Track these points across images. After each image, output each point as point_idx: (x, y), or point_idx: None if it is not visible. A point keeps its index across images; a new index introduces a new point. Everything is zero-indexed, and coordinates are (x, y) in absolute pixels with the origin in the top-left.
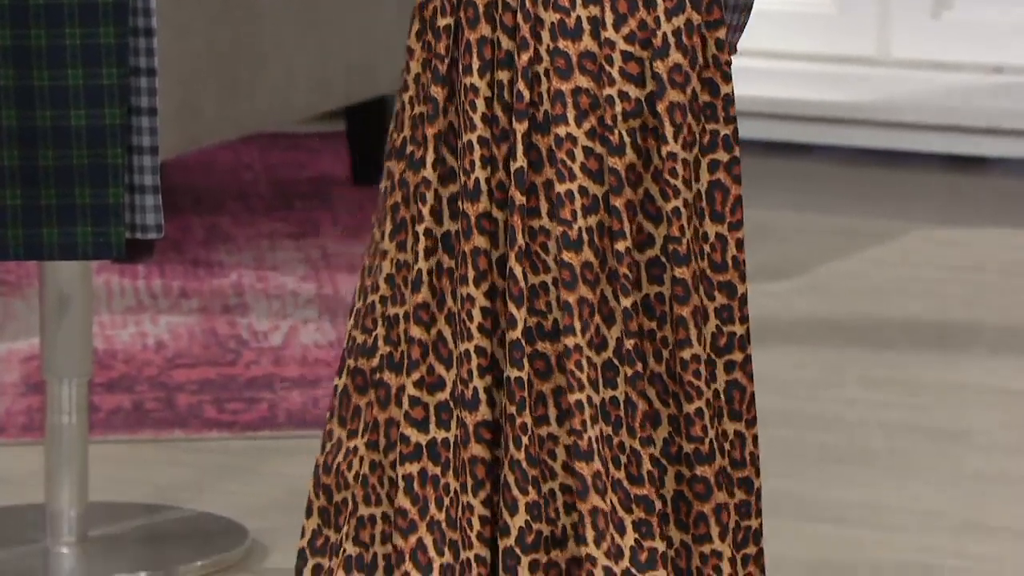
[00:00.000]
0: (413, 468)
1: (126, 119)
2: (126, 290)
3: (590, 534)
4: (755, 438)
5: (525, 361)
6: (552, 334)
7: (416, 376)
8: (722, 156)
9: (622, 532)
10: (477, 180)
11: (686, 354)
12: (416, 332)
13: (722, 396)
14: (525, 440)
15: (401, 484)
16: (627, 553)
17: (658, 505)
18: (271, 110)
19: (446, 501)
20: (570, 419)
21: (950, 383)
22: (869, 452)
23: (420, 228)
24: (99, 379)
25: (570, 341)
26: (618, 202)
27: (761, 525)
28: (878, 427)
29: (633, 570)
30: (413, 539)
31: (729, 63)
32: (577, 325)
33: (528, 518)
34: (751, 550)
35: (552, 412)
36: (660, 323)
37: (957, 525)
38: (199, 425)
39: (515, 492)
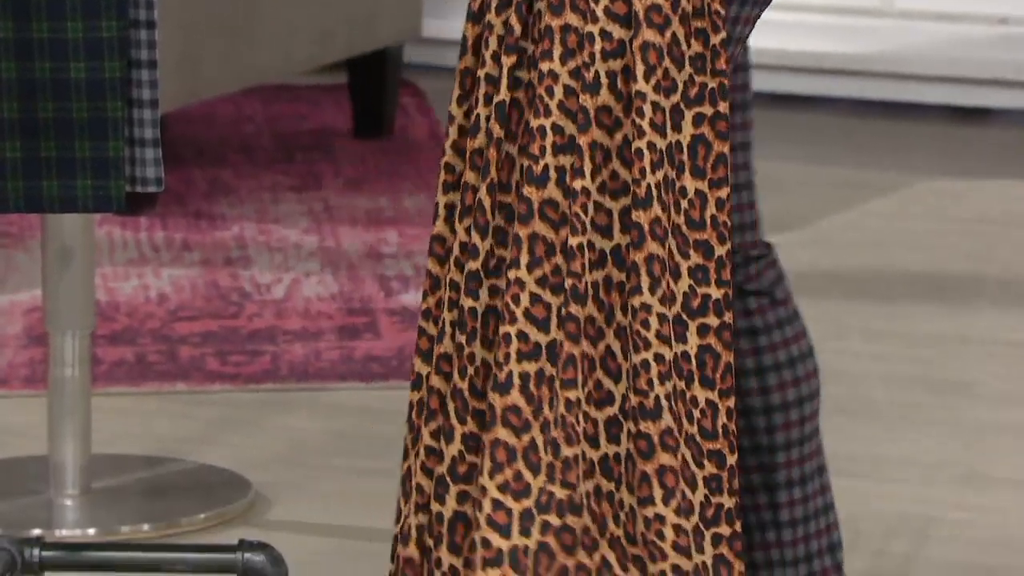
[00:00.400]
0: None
1: (126, 72)
2: (128, 242)
3: (658, 492)
4: (730, 411)
5: (481, 292)
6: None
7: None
8: (707, 110)
9: (694, 487)
10: (546, 166)
11: (635, 302)
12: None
13: (693, 360)
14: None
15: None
16: (697, 508)
17: (730, 460)
18: (272, 62)
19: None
20: (637, 378)
21: (952, 335)
22: (871, 404)
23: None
24: (101, 331)
25: (512, 274)
26: (582, 140)
27: (739, 506)
28: (880, 379)
29: (701, 526)
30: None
31: (721, 15)
32: (523, 259)
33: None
34: (723, 530)
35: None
36: (628, 273)
37: (959, 477)
38: (201, 378)
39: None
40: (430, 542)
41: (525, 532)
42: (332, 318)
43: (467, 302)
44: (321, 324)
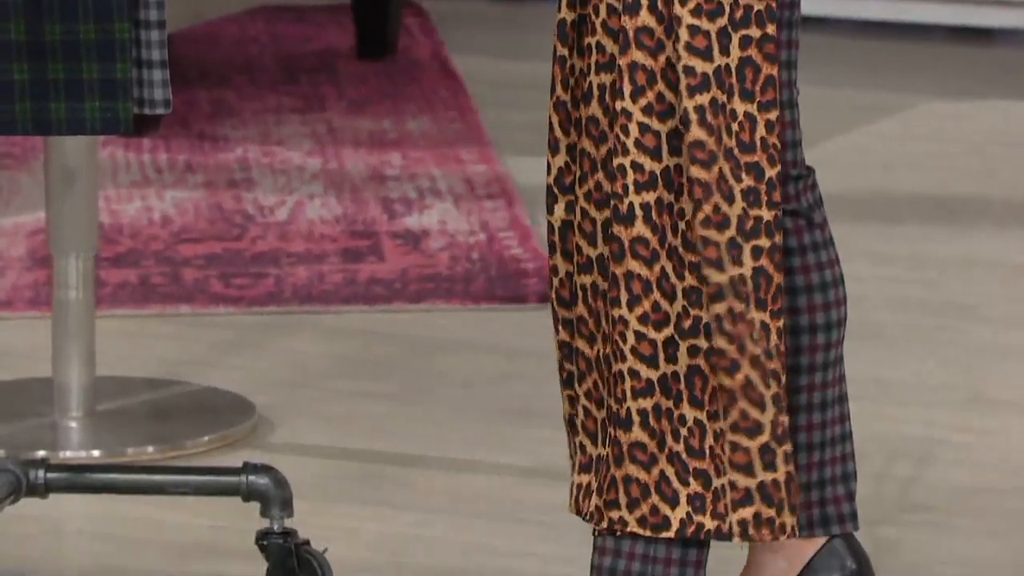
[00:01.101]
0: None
1: None
2: (131, 164)
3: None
4: (779, 332)
5: (557, 208)
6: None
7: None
8: (754, 32)
9: (762, 408)
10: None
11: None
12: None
13: (748, 282)
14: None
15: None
16: (767, 428)
17: (783, 377)
18: None
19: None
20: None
21: (957, 257)
22: (876, 327)
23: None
24: (105, 254)
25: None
26: (622, 61)
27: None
28: (884, 302)
29: (771, 444)
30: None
31: None
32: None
33: None
34: (789, 447)
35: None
36: (677, 195)
37: (962, 399)
38: (205, 300)
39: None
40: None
41: (602, 442)
42: (335, 241)
43: (547, 216)
44: (324, 247)
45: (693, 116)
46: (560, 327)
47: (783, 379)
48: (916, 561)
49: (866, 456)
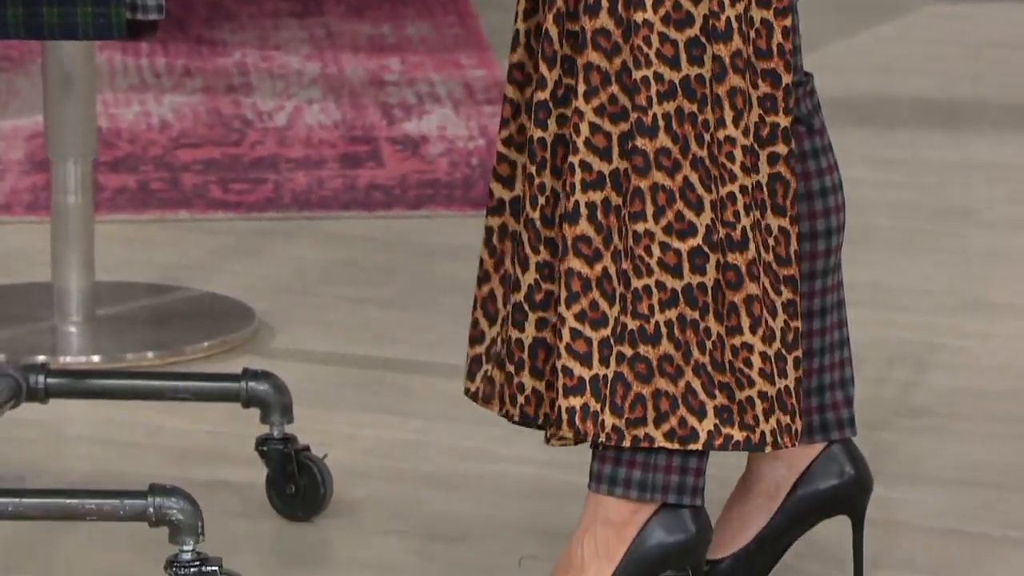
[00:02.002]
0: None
1: None
2: (129, 68)
3: (746, 322)
4: (800, 237)
5: (550, 122)
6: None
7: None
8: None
9: (774, 314)
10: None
11: (720, 135)
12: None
13: (764, 189)
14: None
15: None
16: (779, 335)
17: (799, 285)
18: None
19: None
20: (723, 211)
21: (956, 161)
22: (875, 232)
23: None
24: (104, 158)
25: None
26: None
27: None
28: (883, 206)
29: (783, 351)
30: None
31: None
32: (580, 88)
33: None
34: (799, 353)
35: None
36: (700, 105)
37: (960, 304)
38: (204, 205)
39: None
40: (511, 368)
41: (604, 361)
42: (334, 146)
43: (536, 132)
44: (323, 152)
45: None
46: (541, 247)
47: (799, 286)
48: (914, 465)
49: (865, 361)
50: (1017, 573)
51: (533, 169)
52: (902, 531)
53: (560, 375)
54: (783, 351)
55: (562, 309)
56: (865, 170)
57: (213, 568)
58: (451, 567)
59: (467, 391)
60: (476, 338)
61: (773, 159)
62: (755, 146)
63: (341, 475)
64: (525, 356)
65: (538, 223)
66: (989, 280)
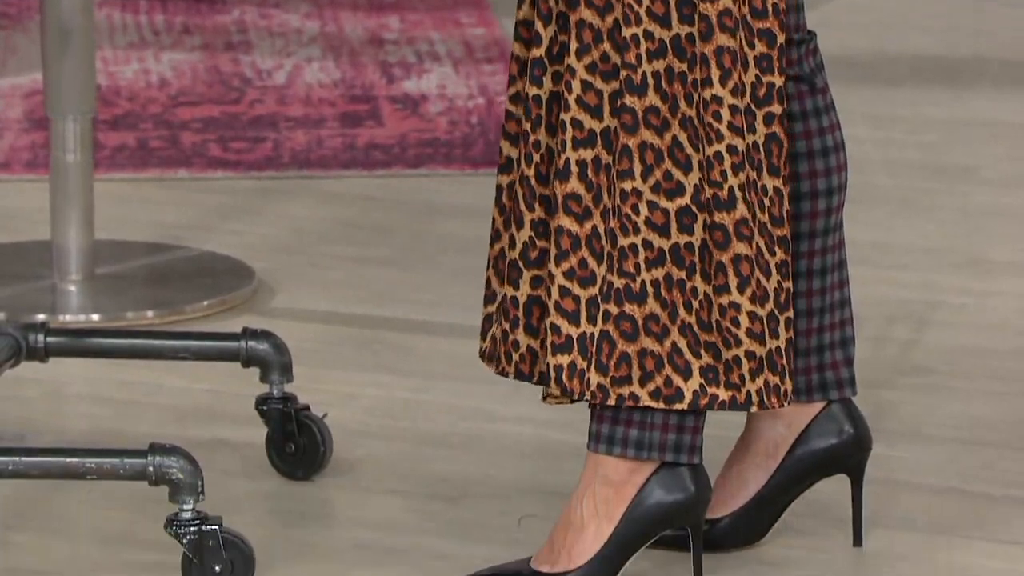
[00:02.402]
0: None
1: None
2: (128, 25)
3: (733, 281)
4: (797, 195)
5: (545, 79)
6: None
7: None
8: None
9: (768, 275)
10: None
11: (706, 94)
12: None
13: (761, 149)
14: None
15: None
16: (771, 295)
17: (791, 245)
18: None
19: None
20: (710, 170)
21: (956, 119)
22: (875, 190)
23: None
24: (103, 116)
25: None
26: None
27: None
28: (883, 165)
29: (776, 311)
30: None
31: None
32: (572, 46)
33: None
34: (791, 313)
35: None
36: (690, 64)
37: (961, 262)
38: (203, 164)
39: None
40: (506, 325)
41: (591, 319)
42: (334, 105)
43: (531, 89)
44: (323, 111)
45: None
46: (536, 204)
47: (791, 246)
48: (914, 423)
49: (865, 320)
50: (1018, 532)
51: (528, 126)
52: (902, 490)
53: (549, 333)
54: (775, 312)
55: (552, 267)
56: (865, 128)
57: (213, 527)
58: (450, 525)
59: (481, 351)
60: (489, 297)
61: (769, 119)
62: (752, 106)
63: (341, 434)
64: (520, 314)
65: (532, 180)
66: (989, 238)
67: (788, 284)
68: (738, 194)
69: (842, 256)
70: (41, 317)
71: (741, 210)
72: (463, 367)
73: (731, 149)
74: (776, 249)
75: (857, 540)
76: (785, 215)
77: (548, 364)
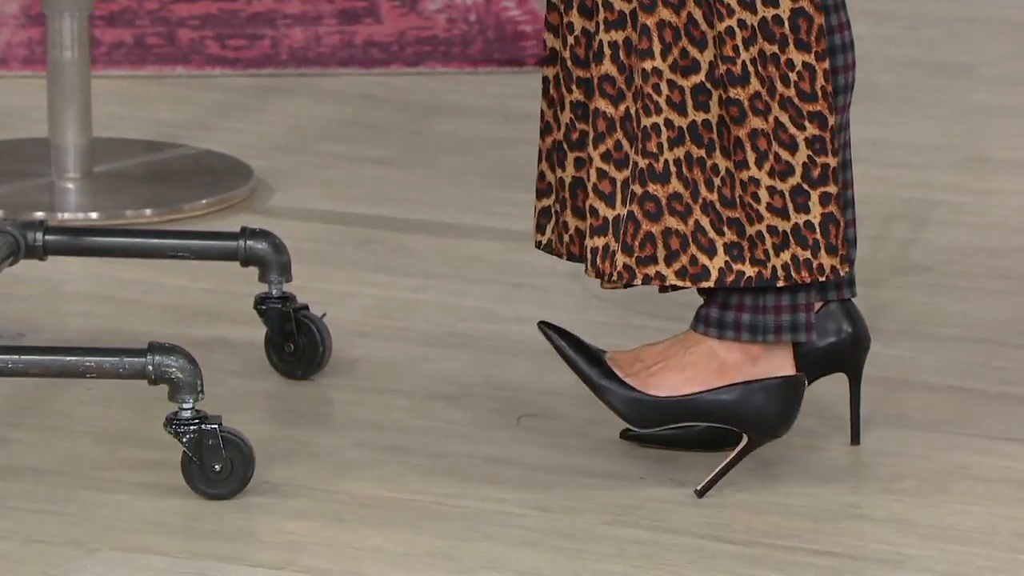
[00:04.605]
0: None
1: None
2: None
3: (751, 156)
4: (826, 73)
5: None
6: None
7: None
8: None
9: (793, 150)
10: None
11: None
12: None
13: (785, 24)
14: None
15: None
16: (799, 170)
17: (831, 120)
18: None
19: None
20: (721, 47)
21: (956, 16)
22: (874, 88)
23: None
24: (99, 12)
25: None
26: None
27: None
28: (884, 62)
29: (805, 186)
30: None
31: None
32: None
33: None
34: (831, 188)
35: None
36: None
37: (960, 160)
38: (201, 61)
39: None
40: (556, 206)
41: (625, 201)
42: (332, 2)
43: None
44: (321, 8)
45: None
46: (573, 87)
47: (829, 121)
48: (912, 322)
49: (863, 219)
50: (1015, 428)
51: (562, 7)
52: (900, 388)
53: (588, 215)
54: (804, 186)
55: (590, 149)
56: (865, 25)
57: (213, 426)
58: (449, 426)
59: (537, 244)
60: (543, 191)
61: None
62: None
63: (340, 334)
64: (567, 195)
65: (569, 63)
66: (989, 136)
67: (824, 159)
68: (750, 68)
69: (847, 157)
70: (39, 215)
71: (755, 85)
72: (462, 267)
73: (741, 24)
74: (806, 124)
75: (855, 438)
76: (820, 91)
77: (586, 247)
